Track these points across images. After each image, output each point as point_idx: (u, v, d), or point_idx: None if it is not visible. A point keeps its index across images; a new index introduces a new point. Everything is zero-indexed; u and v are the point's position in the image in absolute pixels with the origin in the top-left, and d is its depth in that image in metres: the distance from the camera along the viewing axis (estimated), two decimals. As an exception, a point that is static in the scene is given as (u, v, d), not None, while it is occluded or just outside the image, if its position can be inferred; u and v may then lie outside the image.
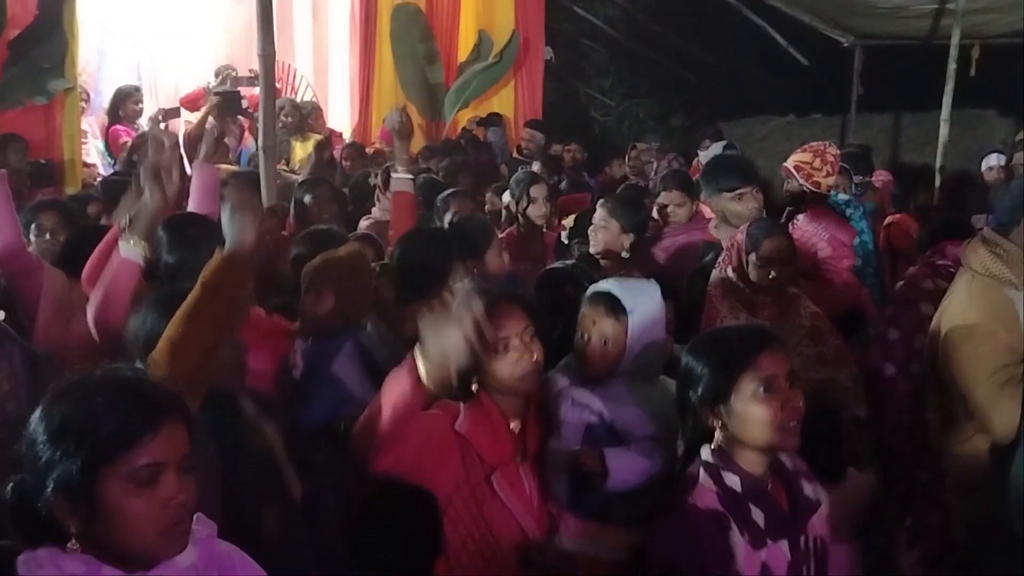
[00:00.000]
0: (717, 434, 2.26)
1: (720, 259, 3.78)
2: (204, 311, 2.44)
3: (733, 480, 2.20)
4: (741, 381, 2.20)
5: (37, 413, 1.73)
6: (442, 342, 2.30)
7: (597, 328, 2.73)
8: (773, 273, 3.57)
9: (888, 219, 6.16)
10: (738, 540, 2.16)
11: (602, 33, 12.58)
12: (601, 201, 4.35)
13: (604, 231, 4.14)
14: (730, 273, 3.66)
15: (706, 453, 2.26)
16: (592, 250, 4.20)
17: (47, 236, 4.21)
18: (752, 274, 3.60)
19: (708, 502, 2.19)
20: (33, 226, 4.23)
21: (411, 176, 4.45)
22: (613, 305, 2.73)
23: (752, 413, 2.19)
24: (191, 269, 2.82)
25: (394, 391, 2.39)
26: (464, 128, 9.77)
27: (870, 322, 4.07)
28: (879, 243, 5.92)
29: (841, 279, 4.09)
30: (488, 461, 2.59)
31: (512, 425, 2.65)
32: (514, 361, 2.59)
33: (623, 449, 2.65)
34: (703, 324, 3.59)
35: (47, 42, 7.47)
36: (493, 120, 9.60)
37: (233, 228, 2.51)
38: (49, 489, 1.67)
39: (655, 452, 2.63)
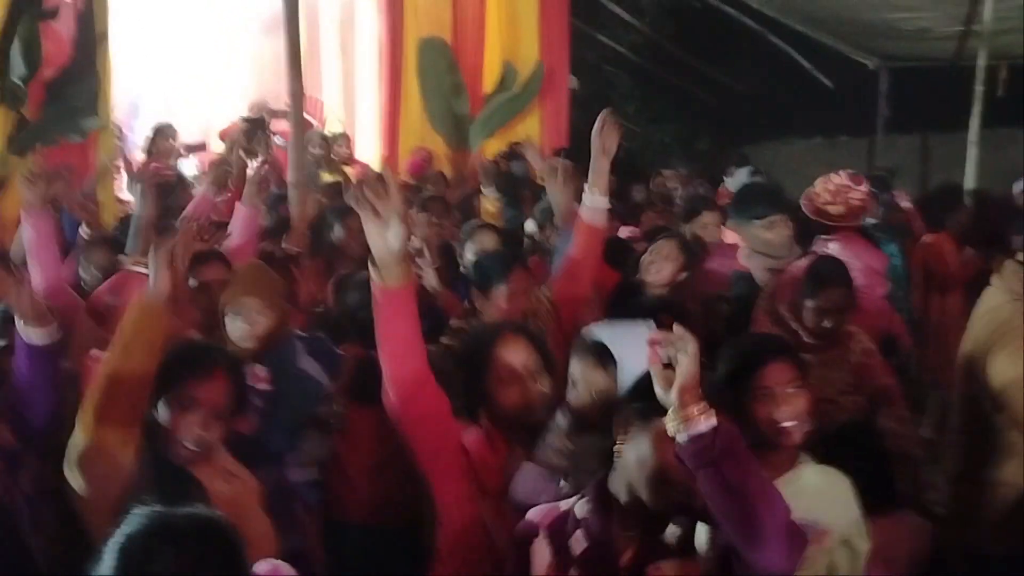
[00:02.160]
0: None
1: (769, 283, 3.74)
2: (122, 357, 2.50)
3: None
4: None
5: None
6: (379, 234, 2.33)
7: (584, 379, 2.65)
8: (828, 323, 3.49)
9: (923, 239, 6.07)
10: None
11: (625, 60, 12.62)
12: (668, 235, 4.37)
13: (673, 263, 4.13)
14: (783, 310, 3.57)
15: None
16: (654, 279, 4.13)
17: (99, 273, 4.27)
18: (806, 318, 3.51)
19: None
20: (83, 261, 4.29)
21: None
22: (601, 356, 2.65)
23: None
24: None
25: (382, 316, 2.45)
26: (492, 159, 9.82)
27: (904, 349, 4.05)
28: (911, 264, 5.89)
29: (875, 307, 4.07)
30: (485, 486, 2.59)
31: (517, 453, 2.63)
32: (519, 392, 2.61)
33: None
34: None
35: (81, 82, 7.61)
36: (516, 153, 9.65)
37: (151, 276, 2.59)
38: None
39: None
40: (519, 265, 3.94)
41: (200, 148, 8.63)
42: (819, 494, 2.47)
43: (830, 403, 3.25)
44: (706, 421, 1.93)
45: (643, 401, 2.12)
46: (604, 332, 2.73)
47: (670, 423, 1.97)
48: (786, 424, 2.53)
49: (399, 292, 2.41)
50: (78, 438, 2.48)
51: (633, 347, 2.58)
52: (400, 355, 2.48)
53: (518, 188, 8.41)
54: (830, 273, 3.59)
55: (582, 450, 2.50)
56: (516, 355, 2.64)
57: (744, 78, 11.95)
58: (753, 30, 10.79)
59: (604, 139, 3.49)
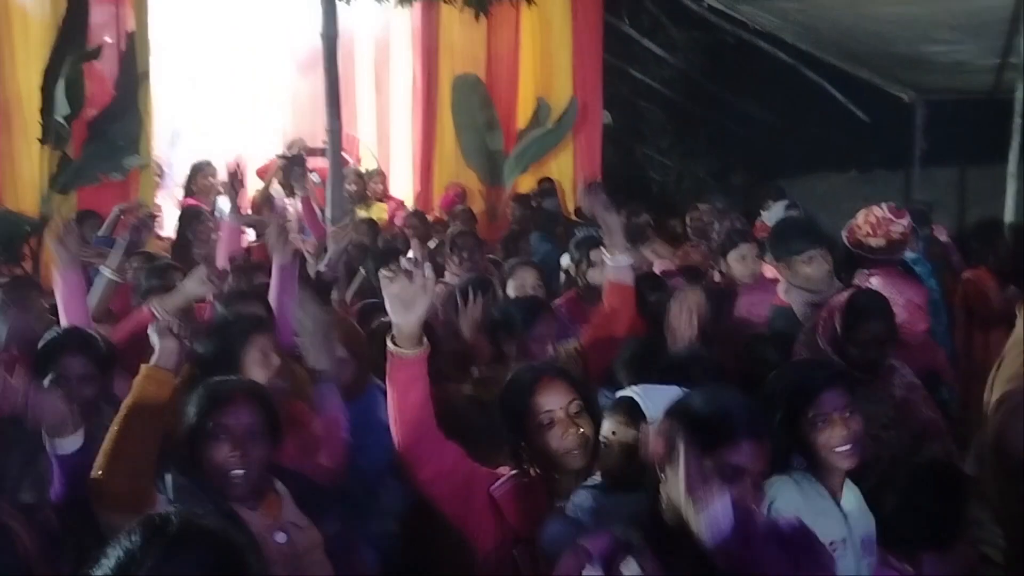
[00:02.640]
0: None
1: (810, 318, 3.71)
2: (129, 424, 2.56)
3: None
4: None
5: None
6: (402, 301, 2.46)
7: (618, 436, 2.62)
8: (869, 356, 3.45)
9: (965, 274, 5.99)
10: None
11: (659, 94, 12.66)
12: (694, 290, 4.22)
13: (697, 317, 4.04)
14: (823, 344, 3.52)
15: None
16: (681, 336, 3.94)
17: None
18: (848, 352, 3.45)
19: None
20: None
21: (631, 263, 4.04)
22: (633, 413, 2.62)
23: None
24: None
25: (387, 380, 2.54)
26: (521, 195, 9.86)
27: (947, 384, 4.00)
28: (951, 300, 5.82)
29: (917, 342, 4.02)
30: (518, 533, 2.56)
31: (558, 506, 2.57)
32: (559, 436, 2.58)
33: None
34: None
35: (123, 121, 7.76)
36: (547, 190, 9.68)
37: (158, 345, 2.68)
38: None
39: None
40: (546, 310, 3.97)
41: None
42: (863, 512, 2.63)
43: (871, 438, 3.21)
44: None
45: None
46: (638, 392, 2.70)
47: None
48: (841, 449, 2.60)
49: (415, 361, 2.51)
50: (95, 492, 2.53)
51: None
52: (411, 421, 2.54)
53: (551, 224, 8.44)
54: (870, 306, 3.55)
55: (611, 510, 2.45)
56: (556, 398, 2.62)
57: (778, 112, 11.93)
58: (787, 64, 10.80)
59: (591, 206, 3.53)
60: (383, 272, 2.48)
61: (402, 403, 2.53)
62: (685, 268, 6.11)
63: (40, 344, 3.33)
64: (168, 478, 2.60)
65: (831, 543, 2.42)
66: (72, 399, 2.80)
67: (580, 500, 2.54)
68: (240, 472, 2.58)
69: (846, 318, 3.48)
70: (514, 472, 2.64)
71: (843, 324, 3.48)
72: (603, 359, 3.70)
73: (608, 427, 2.65)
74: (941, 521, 2.69)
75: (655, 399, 2.61)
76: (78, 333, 3.46)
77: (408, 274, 2.46)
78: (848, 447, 2.61)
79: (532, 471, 2.63)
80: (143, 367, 2.67)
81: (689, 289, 3.98)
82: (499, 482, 2.61)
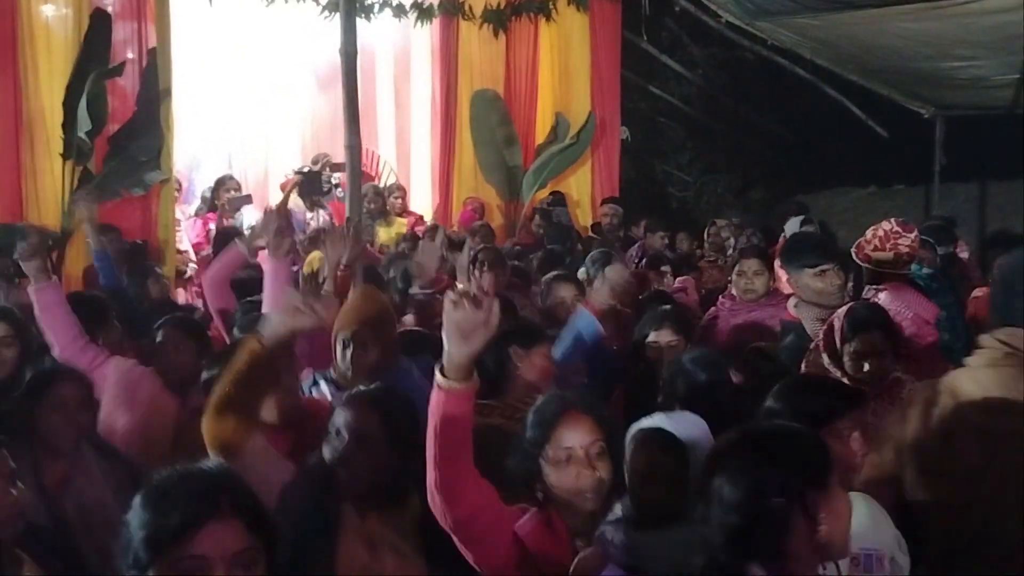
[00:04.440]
0: None
1: (816, 337, 3.71)
2: (234, 389, 2.65)
3: None
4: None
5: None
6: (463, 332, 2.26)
7: (651, 471, 2.53)
8: (867, 366, 3.46)
9: (975, 292, 5.99)
10: None
11: (677, 110, 12.67)
12: (655, 326, 4.15)
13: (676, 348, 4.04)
14: (825, 359, 3.54)
15: None
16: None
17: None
18: (847, 364, 3.48)
19: None
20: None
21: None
22: (667, 443, 2.58)
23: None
24: None
25: (430, 410, 2.36)
26: (536, 208, 9.92)
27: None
28: (966, 316, 5.78)
29: (925, 357, 4.00)
30: (551, 568, 2.45)
31: (578, 543, 2.50)
32: (574, 475, 2.48)
33: None
34: None
35: (145, 136, 7.83)
36: (559, 200, 9.74)
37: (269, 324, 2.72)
38: (126, 570, 1.78)
39: None
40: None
41: (247, 201, 8.77)
42: (874, 521, 2.46)
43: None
44: None
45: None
46: (663, 421, 2.66)
47: None
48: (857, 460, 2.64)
49: (463, 395, 2.31)
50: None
51: (695, 434, 2.62)
52: (451, 457, 2.35)
53: (564, 236, 8.47)
54: (867, 317, 3.57)
55: (652, 545, 2.38)
56: (579, 436, 2.51)
57: (797, 128, 11.92)
58: (806, 80, 10.79)
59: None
60: (449, 295, 2.27)
61: (444, 437, 2.32)
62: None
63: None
64: None
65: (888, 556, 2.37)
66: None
67: (613, 538, 2.43)
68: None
69: (844, 330, 3.50)
70: (535, 509, 2.54)
71: (842, 337, 3.51)
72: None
73: (644, 460, 2.57)
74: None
75: (686, 427, 2.62)
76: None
77: (476, 303, 2.25)
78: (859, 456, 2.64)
79: (549, 507, 2.53)
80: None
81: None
82: (523, 520, 2.51)
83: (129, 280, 5.85)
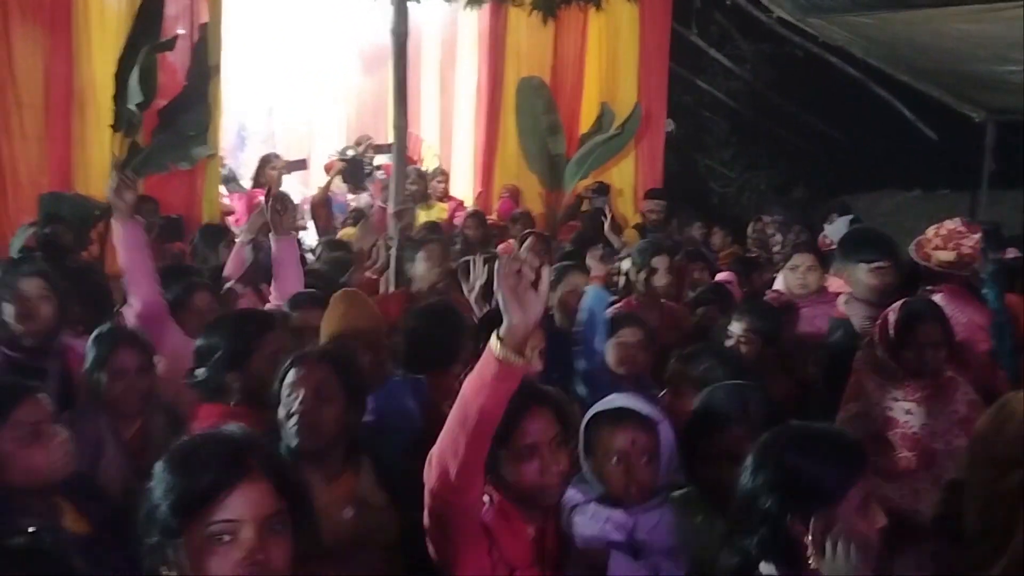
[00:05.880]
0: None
1: (870, 332, 3.67)
2: None
3: None
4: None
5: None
6: (519, 302, 2.10)
7: (638, 446, 2.50)
8: (928, 357, 3.45)
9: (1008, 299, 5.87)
10: None
11: (723, 105, 12.59)
12: (738, 315, 4.23)
13: (748, 347, 4.07)
14: (880, 353, 3.54)
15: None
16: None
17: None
18: (904, 356, 3.47)
19: None
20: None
21: None
22: (644, 420, 2.53)
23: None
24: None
25: (472, 385, 2.18)
26: (579, 195, 9.91)
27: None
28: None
29: (978, 362, 3.95)
30: (508, 561, 2.39)
31: (529, 531, 2.45)
32: (538, 471, 2.39)
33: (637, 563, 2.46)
34: (847, 398, 3.51)
35: (193, 111, 7.90)
36: (602, 189, 9.72)
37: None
38: (148, 538, 1.75)
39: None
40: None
41: (301, 166, 8.81)
42: None
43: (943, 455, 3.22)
44: None
45: None
46: (629, 401, 2.59)
47: None
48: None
49: (516, 373, 2.13)
50: None
51: (657, 410, 2.60)
52: (480, 436, 2.19)
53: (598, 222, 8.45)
54: (924, 310, 3.58)
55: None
56: (542, 428, 2.41)
57: (844, 127, 11.80)
58: (856, 79, 10.66)
59: None
60: (503, 259, 2.15)
61: (484, 415, 2.15)
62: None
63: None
64: None
65: None
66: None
67: (602, 514, 2.47)
68: None
69: (900, 323, 3.49)
70: (498, 498, 2.44)
71: (897, 328, 3.49)
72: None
73: (620, 439, 2.51)
74: None
75: (648, 404, 2.61)
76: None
77: (528, 266, 2.11)
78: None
79: (507, 499, 2.44)
80: None
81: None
82: (485, 508, 2.41)
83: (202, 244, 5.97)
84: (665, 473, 2.55)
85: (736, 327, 4.15)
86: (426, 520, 2.35)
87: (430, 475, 2.26)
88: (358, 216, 7.83)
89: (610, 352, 4.02)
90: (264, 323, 3.36)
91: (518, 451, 2.38)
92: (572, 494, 2.55)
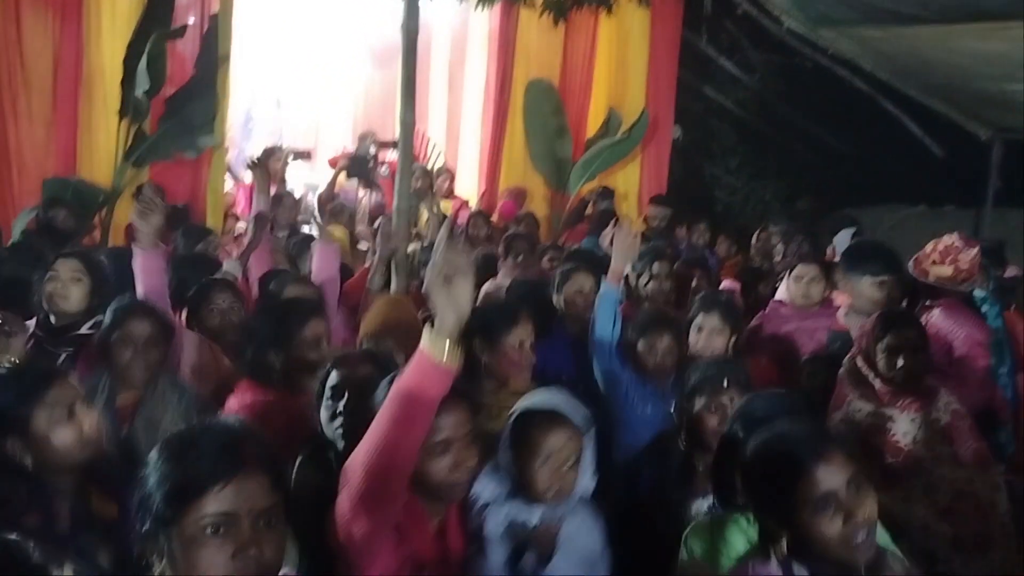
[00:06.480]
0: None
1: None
2: None
3: None
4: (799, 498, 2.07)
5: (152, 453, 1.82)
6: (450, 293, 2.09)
7: (570, 446, 2.52)
8: (901, 362, 3.46)
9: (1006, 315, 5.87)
10: None
11: (731, 114, 12.57)
12: (705, 309, 4.10)
13: (720, 336, 4.01)
14: (859, 362, 3.57)
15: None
16: (700, 351, 3.97)
17: (220, 317, 4.23)
18: (880, 363, 3.50)
19: None
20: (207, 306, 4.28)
21: None
22: (575, 427, 2.55)
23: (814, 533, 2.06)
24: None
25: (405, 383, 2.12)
26: (583, 199, 9.91)
27: (1003, 425, 3.92)
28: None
29: (975, 379, 3.95)
30: (414, 556, 2.34)
31: (432, 524, 2.43)
32: (450, 467, 2.35)
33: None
34: (831, 408, 3.52)
35: (200, 101, 7.90)
36: (606, 193, 9.72)
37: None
38: (142, 526, 1.75)
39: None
40: (525, 314, 3.59)
41: (306, 156, 8.82)
42: None
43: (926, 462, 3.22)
44: None
45: None
46: (557, 401, 2.61)
47: None
48: None
49: (447, 372, 2.10)
50: None
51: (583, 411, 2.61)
52: (406, 454, 2.15)
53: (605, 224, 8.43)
54: (897, 315, 3.64)
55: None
56: (456, 421, 2.36)
57: (851, 140, 11.78)
58: (864, 92, 10.65)
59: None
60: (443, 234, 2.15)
61: (407, 422, 2.10)
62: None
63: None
64: None
65: None
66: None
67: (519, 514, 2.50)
68: None
69: (876, 328, 3.53)
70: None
71: (872, 336, 3.52)
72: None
73: (553, 439, 2.52)
74: None
75: (576, 405, 2.62)
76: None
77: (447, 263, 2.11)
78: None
79: (414, 493, 2.37)
80: None
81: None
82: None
83: (183, 240, 5.92)
84: (584, 480, 2.57)
85: (705, 320, 4.05)
86: (347, 510, 2.23)
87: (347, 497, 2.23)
88: (336, 212, 7.84)
89: (640, 356, 3.88)
90: (310, 309, 3.46)
91: (431, 446, 2.31)
92: (480, 489, 2.56)
